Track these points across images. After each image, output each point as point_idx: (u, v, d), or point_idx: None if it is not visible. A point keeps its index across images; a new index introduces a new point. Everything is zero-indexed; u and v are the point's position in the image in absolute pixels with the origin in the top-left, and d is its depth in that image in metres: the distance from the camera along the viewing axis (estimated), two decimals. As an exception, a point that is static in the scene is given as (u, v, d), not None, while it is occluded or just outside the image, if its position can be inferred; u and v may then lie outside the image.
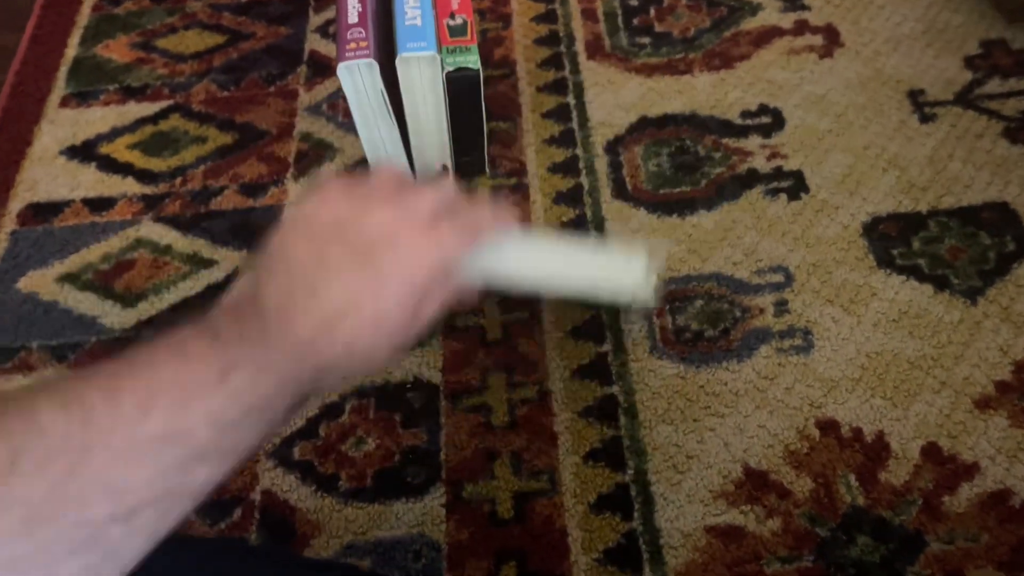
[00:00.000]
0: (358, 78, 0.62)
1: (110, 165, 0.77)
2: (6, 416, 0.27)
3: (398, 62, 0.62)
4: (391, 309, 0.36)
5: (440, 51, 0.63)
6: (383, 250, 0.36)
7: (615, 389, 0.61)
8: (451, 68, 0.63)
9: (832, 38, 0.83)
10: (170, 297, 0.68)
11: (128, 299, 0.68)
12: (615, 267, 0.50)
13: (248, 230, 0.72)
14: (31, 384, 0.29)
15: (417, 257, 0.36)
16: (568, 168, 0.75)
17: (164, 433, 0.28)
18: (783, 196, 0.71)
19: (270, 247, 0.36)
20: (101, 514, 0.27)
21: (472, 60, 0.64)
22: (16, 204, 0.74)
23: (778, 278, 0.66)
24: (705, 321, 0.64)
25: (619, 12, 0.87)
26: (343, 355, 0.35)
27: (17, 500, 0.25)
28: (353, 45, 0.61)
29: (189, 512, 0.30)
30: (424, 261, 0.36)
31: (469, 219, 0.38)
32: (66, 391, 0.28)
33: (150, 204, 0.74)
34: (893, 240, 0.68)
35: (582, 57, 0.84)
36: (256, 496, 0.58)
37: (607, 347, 0.63)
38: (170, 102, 0.82)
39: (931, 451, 0.58)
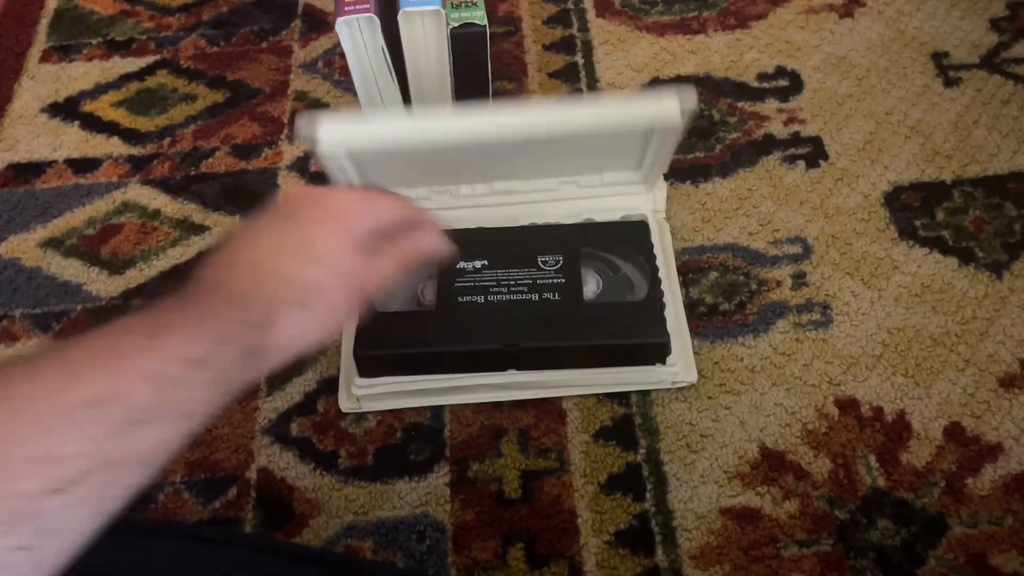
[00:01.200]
0: (358, 34, 0.58)
1: (94, 124, 0.73)
2: None
3: (400, 17, 0.58)
4: (325, 240, 0.37)
5: (444, 6, 0.59)
6: (299, 207, 0.39)
7: (626, 364, 0.59)
8: (456, 24, 0.60)
9: (853, -3, 0.79)
10: (159, 264, 0.65)
11: (115, 266, 0.65)
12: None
13: (241, 193, 0.68)
14: None
15: (341, 197, 0.40)
16: (576, 132, 0.71)
17: (95, 397, 0.27)
18: (801, 163, 0.68)
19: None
20: (32, 487, 0.25)
21: (478, 16, 0.60)
22: (-4, 164, 0.71)
23: (796, 249, 0.64)
24: (720, 294, 0.62)
25: (629, -33, 0.83)
26: (284, 287, 0.35)
27: None
28: (352, -2, 0.57)
29: (144, 481, 0.29)
30: (350, 199, 0.40)
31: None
32: None
33: (137, 166, 0.70)
34: (916, 210, 0.65)
35: (591, 14, 0.80)
36: (252, 474, 0.55)
37: (618, 320, 0.61)
38: (157, 57, 0.78)
39: (954, 431, 0.55)
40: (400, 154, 0.52)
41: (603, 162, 0.59)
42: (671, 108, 0.48)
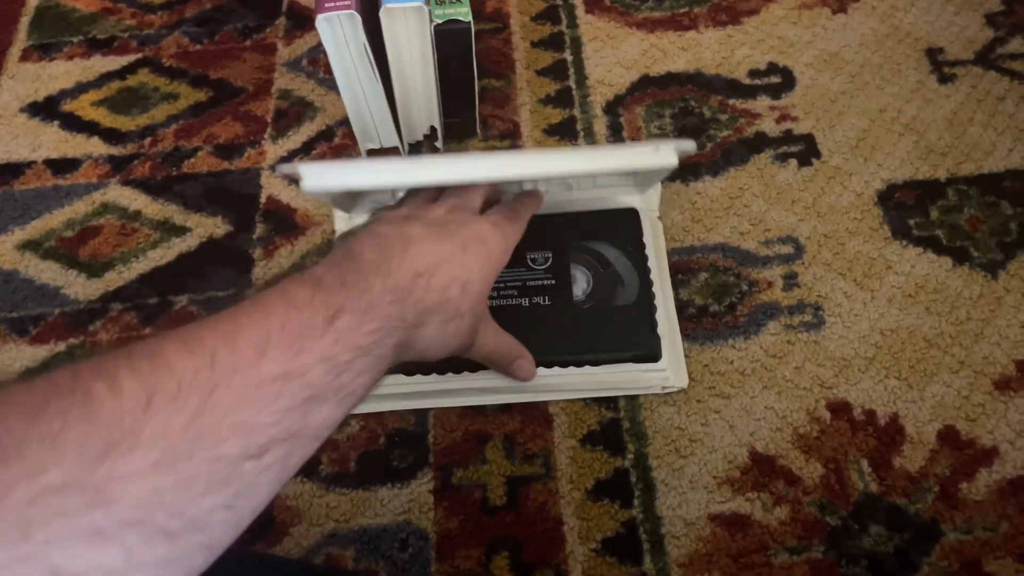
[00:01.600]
0: (339, 31, 0.57)
1: (74, 124, 0.72)
2: (135, 358, 0.28)
3: (382, 14, 0.57)
4: (476, 278, 0.41)
5: (428, 2, 0.58)
6: (458, 228, 0.42)
7: (614, 368, 0.58)
8: (439, 21, 0.59)
9: (846, -8, 0.78)
10: (139, 266, 0.63)
11: (94, 268, 0.63)
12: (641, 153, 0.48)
13: (223, 194, 0.67)
14: (149, 335, 0.32)
15: (488, 237, 0.43)
16: (565, 130, 0.70)
17: (282, 373, 0.30)
18: (793, 161, 0.67)
19: (353, 236, 0.40)
20: (234, 451, 0.28)
21: (463, 12, 0.59)
22: (-27, 165, 0.69)
23: (787, 249, 0.63)
24: (710, 295, 0.61)
25: (619, -38, 0.81)
26: (439, 303, 0.39)
27: (156, 435, 0.26)
28: (333, -6, 0.56)
29: (312, 454, 0.32)
30: (494, 241, 0.43)
31: (508, 207, 0.46)
32: (187, 336, 0.29)
33: (117, 166, 0.69)
34: (909, 209, 0.64)
35: (580, 10, 0.78)
36: (231, 481, 0.54)
37: (606, 322, 0.60)
38: (138, 55, 0.76)
39: (948, 435, 0.54)
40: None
41: (596, 178, 0.59)
42: (668, 158, 0.46)
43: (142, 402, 0.26)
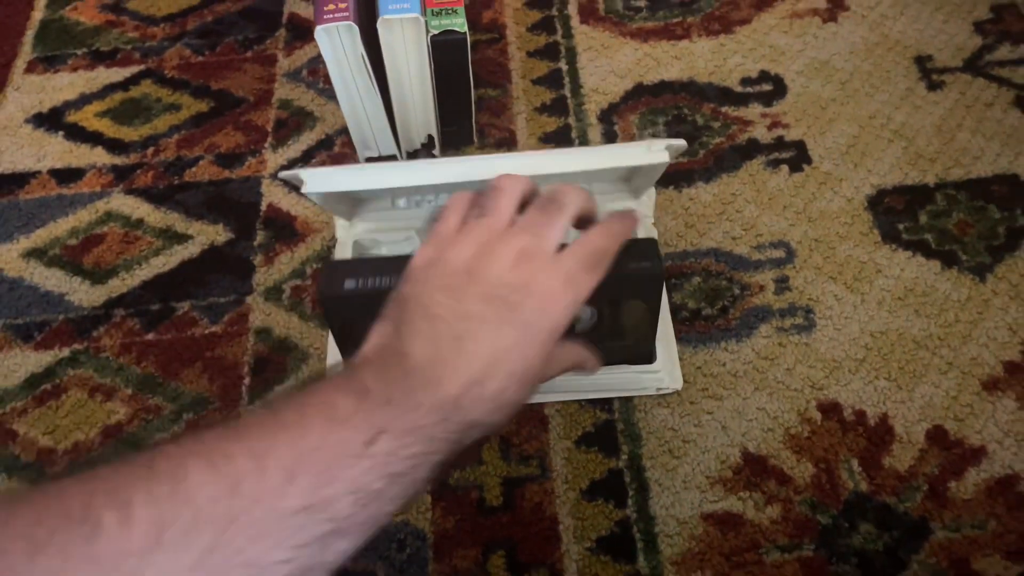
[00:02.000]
0: (337, 42, 0.58)
1: (78, 134, 0.73)
2: (155, 479, 0.26)
3: (380, 24, 0.58)
4: (535, 362, 0.35)
5: (424, 13, 0.59)
6: (522, 298, 0.36)
7: (608, 370, 0.59)
8: (436, 31, 0.60)
9: (836, 1, 0.79)
10: (142, 274, 0.65)
11: (97, 276, 0.65)
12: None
13: (224, 202, 0.68)
14: (181, 434, 0.30)
15: (556, 304, 0.36)
16: (560, 138, 0.71)
17: (305, 506, 0.28)
18: (784, 167, 0.68)
19: (405, 296, 0.36)
20: None
21: (459, 23, 0.60)
22: (-21, 175, 0.71)
23: (779, 254, 0.64)
24: (703, 299, 0.62)
25: (614, -27, 0.83)
26: (489, 412, 0.34)
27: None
28: (331, 7, 0.57)
29: None
30: (562, 307, 0.36)
31: (593, 247, 0.38)
32: (215, 451, 0.28)
33: (121, 175, 0.70)
34: (899, 214, 0.65)
35: (575, 21, 0.80)
36: (232, 483, 0.55)
37: (600, 326, 0.61)
38: (141, 67, 0.78)
39: (936, 435, 0.55)
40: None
41: (591, 180, 0.60)
42: (659, 156, 0.46)
43: (152, 538, 0.25)
